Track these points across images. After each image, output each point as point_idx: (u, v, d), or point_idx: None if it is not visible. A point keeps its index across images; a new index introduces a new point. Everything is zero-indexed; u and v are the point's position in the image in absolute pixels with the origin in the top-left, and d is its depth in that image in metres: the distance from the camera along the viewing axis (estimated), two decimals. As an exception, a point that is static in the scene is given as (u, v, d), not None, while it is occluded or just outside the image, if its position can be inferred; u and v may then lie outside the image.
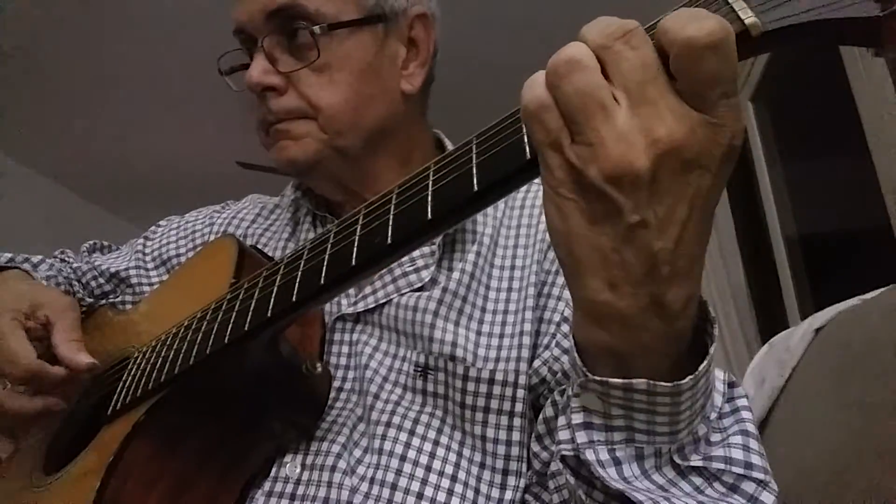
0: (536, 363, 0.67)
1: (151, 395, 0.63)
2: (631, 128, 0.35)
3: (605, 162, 0.35)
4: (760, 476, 0.47)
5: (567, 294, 0.70)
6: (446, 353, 0.68)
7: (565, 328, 0.68)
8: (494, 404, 0.66)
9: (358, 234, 0.49)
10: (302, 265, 0.53)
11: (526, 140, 0.40)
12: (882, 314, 0.81)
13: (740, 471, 0.47)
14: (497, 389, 0.66)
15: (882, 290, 0.86)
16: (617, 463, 0.44)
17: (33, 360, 0.69)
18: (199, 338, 0.60)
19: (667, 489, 0.45)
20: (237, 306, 0.59)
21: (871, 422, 0.74)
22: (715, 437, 0.49)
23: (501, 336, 0.69)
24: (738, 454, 0.48)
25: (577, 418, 0.44)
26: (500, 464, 0.65)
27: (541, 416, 0.65)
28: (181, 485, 0.62)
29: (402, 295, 0.73)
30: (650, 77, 0.35)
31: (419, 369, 0.69)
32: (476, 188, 0.41)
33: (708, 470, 0.47)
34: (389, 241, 0.46)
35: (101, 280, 0.96)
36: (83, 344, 0.73)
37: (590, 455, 0.44)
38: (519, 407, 0.66)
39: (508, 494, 0.65)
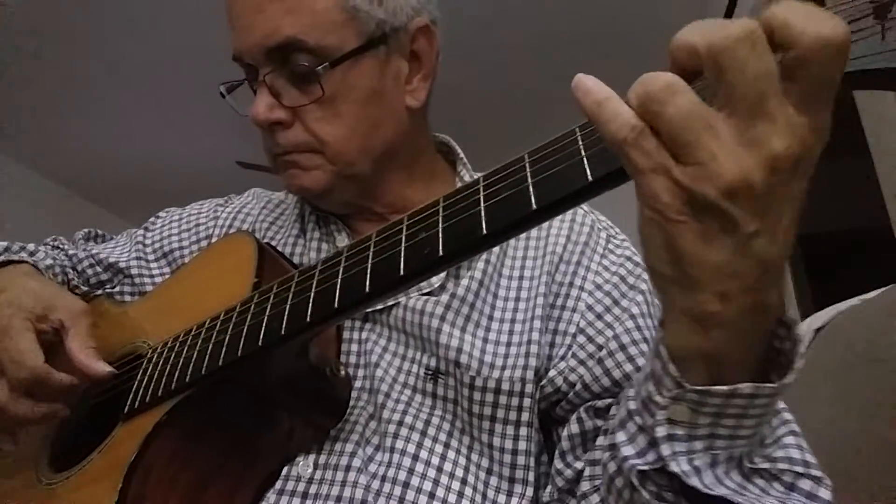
0: (552, 373, 0.68)
1: (173, 395, 0.63)
2: (744, 141, 0.34)
3: (722, 178, 0.34)
4: (818, 473, 0.49)
5: (582, 305, 0.71)
6: (452, 359, 0.68)
7: (581, 339, 0.69)
8: (500, 413, 0.67)
9: (404, 244, 0.49)
10: (342, 272, 0.53)
11: (587, 162, 0.40)
12: (882, 314, 0.83)
13: (800, 469, 0.49)
14: (503, 399, 0.67)
15: (882, 290, 0.88)
16: (697, 472, 0.44)
17: (40, 364, 0.68)
18: (227, 339, 0.60)
19: (741, 493, 0.46)
20: (269, 309, 0.58)
21: (872, 421, 0.76)
22: (768, 438, 0.50)
23: (508, 344, 0.70)
24: (795, 454, 0.50)
25: (662, 431, 0.45)
26: (506, 471, 0.67)
27: (564, 433, 0.66)
28: (201, 484, 0.62)
29: (410, 298, 0.73)
30: (772, 89, 0.34)
31: (429, 373, 0.70)
32: (534, 206, 0.42)
33: (769, 471, 0.48)
34: (441, 252, 0.46)
35: (99, 269, 0.93)
36: (98, 352, 0.72)
37: (675, 467, 0.44)
38: (525, 416, 0.67)
39: (514, 501, 0.66)
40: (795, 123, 0.34)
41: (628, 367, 0.66)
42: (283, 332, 0.55)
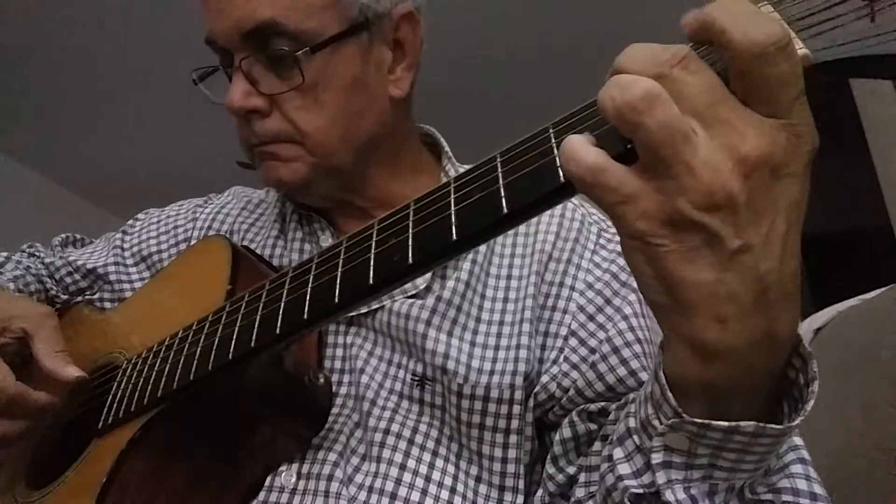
0: (544, 378, 0.66)
1: (146, 409, 0.61)
2: (714, 150, 0.33)
3: (697, 191, 0.33)
4: None
5: (573, 307, 0.68)
6: (438, 365, 0.66)
7: (573, 342, 0.67)
8: (489, 421, 0.64)
9: (373, 251, 0.47)
10: (311, 280, 0.51)
11: (559, 162, 0.38)
12: (882, 314, 0.82)
13: (807, 502, 0.46)
14: (492, 406, 0.64)
15: (882, 290, 0.86)
16: (693, 501, 0.43)
17: (12, 384, 0.65)
18: (199, 352, 0.58)
19: None
20: (239, 320, 0.56)
21: (872, 421, 0.75)
22: (774, 465, 0.48)
23: (497, 348, 0.68)
24: (802, 485, 0.47)
25: (658, 457, 0.43)
26: (496, 479, 0.64)
27: (556, 438, 0.64)
28: (180, 499, 0.60)
29: (395, 301, 0.70)
30: (719, 97, 0.34)
31: (416, 379, 0.68)
32: (505, 210, 0.39)
33: (774, 503, 0.46)
34: (411, 260, 0.44)
35: (77, 276, 0.91)
36: (68, 354, 0.70)
37: (669, 496, 0.43)
38: (514, 423, 0.65)
39: None
40: (758, 124, 0.34)
41: (622, 371, 0.63)
42: (252, 345, 0.53)
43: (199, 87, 0.78)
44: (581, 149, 0.36)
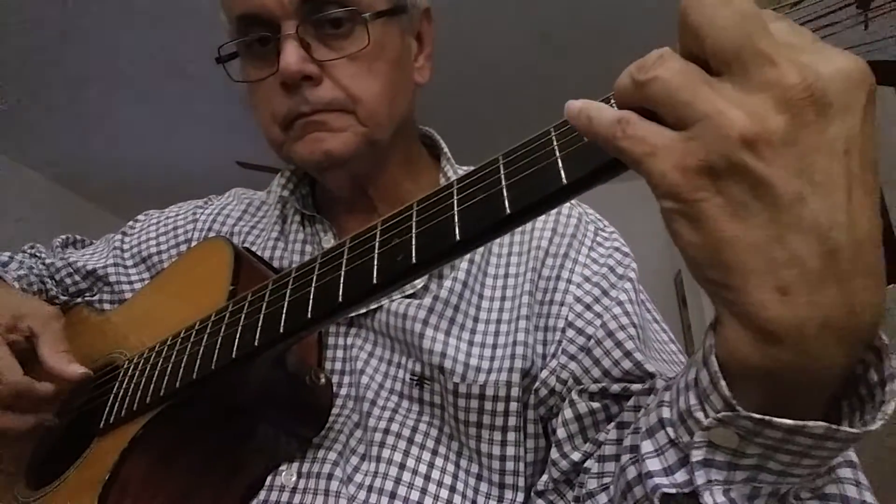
0: (544, 374, 0.65)
1: (149, 408, 0.61)
2: (751, 88, 0.30)
3: (732, 127, 0.29)
4: None
5: (570, 298, 0.68)
6: (436, 364, 0.66)
7: (570, 333, 0.66)
8: (486, 420, 0.65)
9: (377, 250, 0.48)
10: (315, 280, 0.52)
11: (561, 164, 0.39)
12: (880, 314, 0.82)
13: None
14: (488, 405, 0.65)
15: (881, 290, 0.86)
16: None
17: (20, 378, 0.66)
18: (202, 351, 0.58)
19: None
20: (242, 319, 0.57)
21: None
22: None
23: (494, 346, 0.68)
24: (852, 491, 0.42)
25: (699, 454, 0.38)
26: (496, 478, 0.65)
27: (559, 419, 0.63)
28: (182, 498, 0.60)
29: (393, 301, 0.71)
30: (758, 29, 0.30)
31: (415, 378, 0.68)
32: (508, 211, 0.40)
33: None
34: (414, 260, 0.44)
35: (77, 277, 0.92)
36: (71, 354, 0.71)
37: (707, 498, 0.38)
38: (512, 421, 0.65)
39: None
40: (796, 57, 0.30)
41: (617, 354, 0.63)
42: (256, 344, 0.53)
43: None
44: (596, 105, 0.35)
